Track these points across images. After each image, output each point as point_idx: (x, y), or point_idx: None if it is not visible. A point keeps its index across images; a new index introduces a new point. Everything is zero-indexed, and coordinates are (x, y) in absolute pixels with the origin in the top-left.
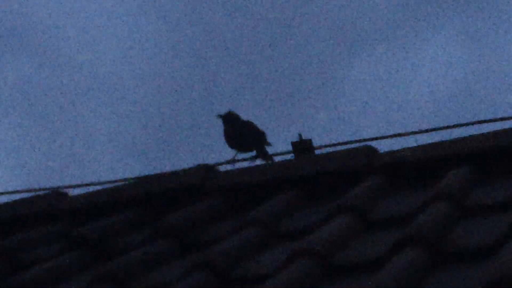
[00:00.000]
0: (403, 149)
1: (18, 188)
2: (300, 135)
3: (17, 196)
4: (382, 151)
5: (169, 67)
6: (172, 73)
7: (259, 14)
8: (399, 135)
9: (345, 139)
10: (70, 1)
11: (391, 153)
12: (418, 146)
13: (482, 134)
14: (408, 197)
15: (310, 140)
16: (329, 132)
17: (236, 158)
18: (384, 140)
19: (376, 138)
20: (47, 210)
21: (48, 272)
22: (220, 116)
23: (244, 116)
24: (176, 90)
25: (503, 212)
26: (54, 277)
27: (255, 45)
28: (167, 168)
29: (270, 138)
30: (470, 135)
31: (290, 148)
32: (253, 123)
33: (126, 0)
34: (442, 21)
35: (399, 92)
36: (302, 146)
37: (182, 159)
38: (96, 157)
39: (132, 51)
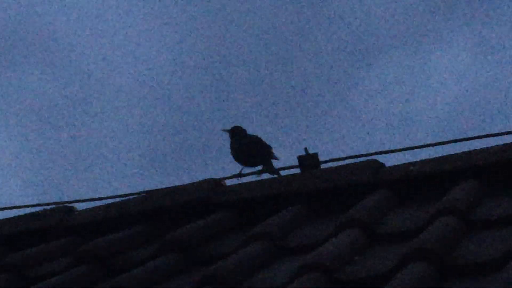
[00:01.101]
0: (410, 163)
1: (28, 203)
2: (306, 149)
3: (26, 211)
4: (389, 165)
5: (177, 80)
6: (179, 86)
7: (268, 24)
8: (406, 149)
9: (352, 153)
10: (83, 11)
11: (397, 167)
12: (425, 160)
13: (488, 148)
14: (415, 211)
15: (317, 154)
16: (337, 146)
17: (242, 172)
18: (391, 154)
19: (383, 152)
20: (55, 225)
21: (57, 286)
22: (227, 130)
23: (250, 129)
24: (182, 104)
25: (510, 226)
26: None
27: (263, 57)
28: (174, 182)
29: (276, 152)
30: (476, 149)
31: (296, 162)
32: (259, 137)
33: (139, 12)
34: (454, 31)
35: (409, 104)
36: (309, 161)
37: (189, 174)
38: (103, 171)
39: (141, 64)
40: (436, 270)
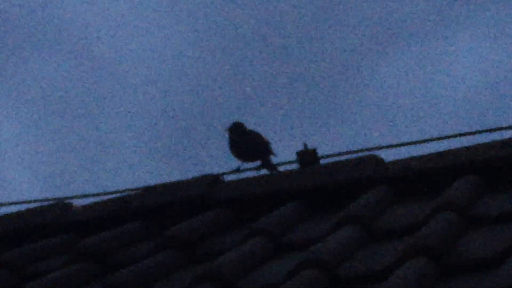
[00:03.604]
0: (410, 159)
1: (36, 195)
2: (305, 145)
3: (24, 207)
4: (388, 161)
5: (173, 74)
6: (175, 81)
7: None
8: (405, 144)
9: (353, 148)
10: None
11: (397, 162)
12: (424, 156)
13: (489, 143)
14: (414, 207)
15: (315, 149)
16: (338, 141)
17: (241, 168)
18: (393, 149)
19: (382, 147)
20: (52, 222)
21: (54, 284)
22: (226, 128)
23: (249, 125)
24: (179, 99)
25: (510, 222)
26: None
27: (266, 48)
28: (172, 178)
29: (275, 148)
30: (476, 144)
31: (295, 157)
32: (258, 133)
33: (157, 4)
34: (475, 17)
35: (426, 94)
36: (308, 156)
37: (187, 169)
38: (106, 164)
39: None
40: (435, 266)
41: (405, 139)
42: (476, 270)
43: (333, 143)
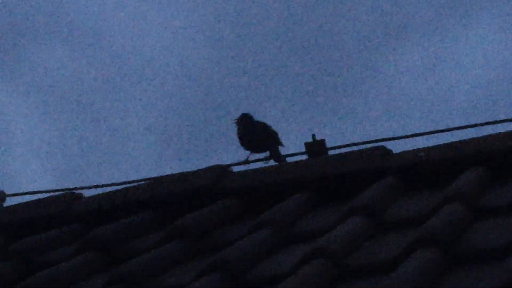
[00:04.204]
0: (418, 150)
1: (48, 186)
2: (313, 136)
3: (37, 197)
4: (396, 152)
5: (183, 67)
6: (184, 73)
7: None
8: (413, 135)
9: (360, 139)
10: None
11: (404, 154)
12: (432, 147)
13: (497, 135)
14: (422, 198)
15: (324, 140)
16: (346, 132)
17: (249, 159)
18: (400, 140)
19: (390, 139)
20: (62, 212)
21: (63, 274)
22: (234, 120)
23: (257, 116)
24: (188, 91)
25: None
26: (69, 279)
27: (280, 42)
28: (181, 169)
29: (284, 139)
30: (484, 136)
31: (303, 148)
32: (266, 124)
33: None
34: (483, 10)
35: (435, 86)
36: (316, 147)
37: (196, 160)
38: (110, 157)
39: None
40: (443, 257)
41: (412, 130)
42: (483, 261)
43: (341, 134)
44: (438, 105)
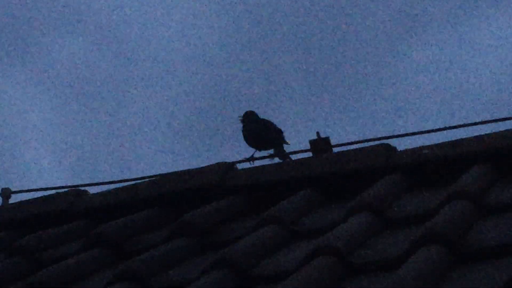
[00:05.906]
0: (422, 147)
1: (59, 180)
2: (318, 133)
3: (48, 193)
4: (401, 149)
5: (191, 65)
6: (192, 71)
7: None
8: (418, 133)
9: (365, 137)
10: None
11: (409, 151)
12: (437, 144)
13: (502, 132)
14: (427, 196)
15: (328, 138)
16: (351, 130)
17: (254, 156)
18: (405, 137)
19: (395, 136)
20: (69, 208)
21: (69, 270)
22: (239, 117)
23: (262, 114)
24: (195, 89)
25: None
26: (75, 275)
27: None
28: (187, 166)
29: (288, 136)
30: (489, 133)
31: (308, 146)
32: (271, 121)
33: None
34: (497, 5)
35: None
36: (321, 145)
37: (202, 157)
38: (118, 154)
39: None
40: (448, 254)
41: (417, 128)
42: (489, 257)
43: (346, 131)
44: (446, 103)
